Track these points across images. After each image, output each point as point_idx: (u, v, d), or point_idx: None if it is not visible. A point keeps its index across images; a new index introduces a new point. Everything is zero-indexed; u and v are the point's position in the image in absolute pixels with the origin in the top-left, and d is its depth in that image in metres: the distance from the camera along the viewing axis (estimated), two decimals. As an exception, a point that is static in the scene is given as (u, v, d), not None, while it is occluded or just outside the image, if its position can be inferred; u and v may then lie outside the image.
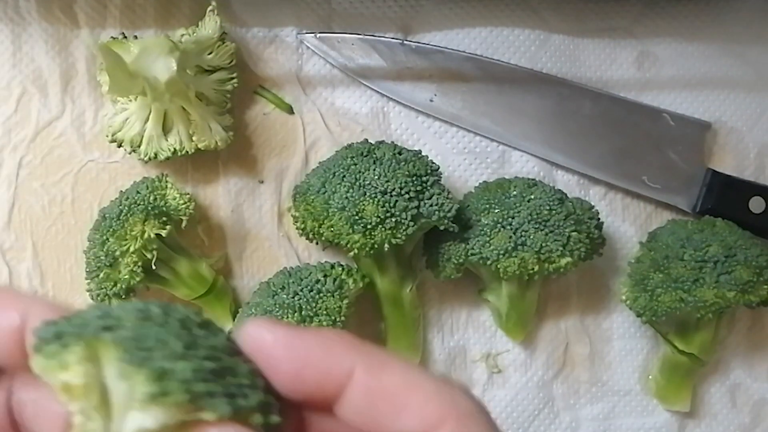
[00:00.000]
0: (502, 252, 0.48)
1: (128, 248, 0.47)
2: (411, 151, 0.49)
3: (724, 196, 0.54)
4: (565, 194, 0.51)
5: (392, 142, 0.50)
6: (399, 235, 0.47)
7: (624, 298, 0.53)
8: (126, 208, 0.47)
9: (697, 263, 0.49)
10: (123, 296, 0.47)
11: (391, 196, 0.46)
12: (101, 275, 0.47)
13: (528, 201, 0.49)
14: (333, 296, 0.47)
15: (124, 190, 0.50)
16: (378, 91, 0.54)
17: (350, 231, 0.47)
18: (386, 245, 0.47)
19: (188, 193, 0.50)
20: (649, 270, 0.51)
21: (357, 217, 0.46)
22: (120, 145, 0.50)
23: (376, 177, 0.47)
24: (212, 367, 0.21)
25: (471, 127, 0.55)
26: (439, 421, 0.21)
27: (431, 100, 0.54)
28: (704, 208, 0.54)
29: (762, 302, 0.50)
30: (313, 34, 0.54)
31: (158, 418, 0.21)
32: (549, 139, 0.55)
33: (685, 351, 0.51)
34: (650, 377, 0.55)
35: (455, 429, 0.21)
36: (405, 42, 0.54)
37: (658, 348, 0.55)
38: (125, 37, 0.51)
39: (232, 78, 0.52)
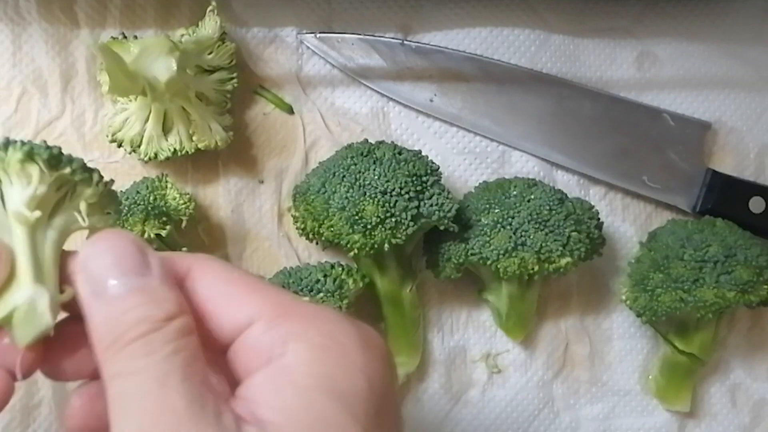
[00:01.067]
0: (502, 252, 0.48)
1: (128, 248, 0.47)
2: (411, 151, 0.49)
3: (724, 196, 0.54)
4: (565, 194, 0.51)
5: (392, 142, 0.50)
6: (399, 235, 0.47)
7: (624, 298, 0.53)
8: (126, 208, 0.47)
9: (697, 263, 0.49)
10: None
11: (391, 196, 0.46)
12: (101, 275, 0.47)
13: (528, 201, 0.49)
14: (333, 296, 0.47)
15: (124, 190, 0.50)
16: (378, 91, 0.54)
17: (350, 231, 0.47)
18: (386, 245, 0.47)
19: (188, 193, 0.50)
20: (649, 270, 0.51)
21: (357, 217, 0.46)
22: (120, 145, 0.50)
23: (376, 177, 0.47)
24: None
25: (471, 127, 0.55)
26: (187, 268, 0.31)
27: (431, 100, 0.54)
28: (704, 208, 0.54)
29: (762, 302, 0.50)
30: (313, 34, 0.54)
31: (34, 184, 0.31)
32: (549, 139, 0.55)
33: (685, 351, 0.51)
34: (650, 377, 0.55)
35: (199, 269, 0.31)
36: (405, 42, 0.54)
37: (658, 348, 0.55)
38: (125, 37, 0.51)
39: (232, 78, 0.52)
